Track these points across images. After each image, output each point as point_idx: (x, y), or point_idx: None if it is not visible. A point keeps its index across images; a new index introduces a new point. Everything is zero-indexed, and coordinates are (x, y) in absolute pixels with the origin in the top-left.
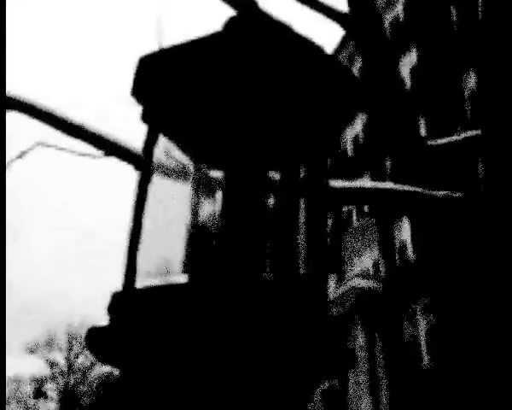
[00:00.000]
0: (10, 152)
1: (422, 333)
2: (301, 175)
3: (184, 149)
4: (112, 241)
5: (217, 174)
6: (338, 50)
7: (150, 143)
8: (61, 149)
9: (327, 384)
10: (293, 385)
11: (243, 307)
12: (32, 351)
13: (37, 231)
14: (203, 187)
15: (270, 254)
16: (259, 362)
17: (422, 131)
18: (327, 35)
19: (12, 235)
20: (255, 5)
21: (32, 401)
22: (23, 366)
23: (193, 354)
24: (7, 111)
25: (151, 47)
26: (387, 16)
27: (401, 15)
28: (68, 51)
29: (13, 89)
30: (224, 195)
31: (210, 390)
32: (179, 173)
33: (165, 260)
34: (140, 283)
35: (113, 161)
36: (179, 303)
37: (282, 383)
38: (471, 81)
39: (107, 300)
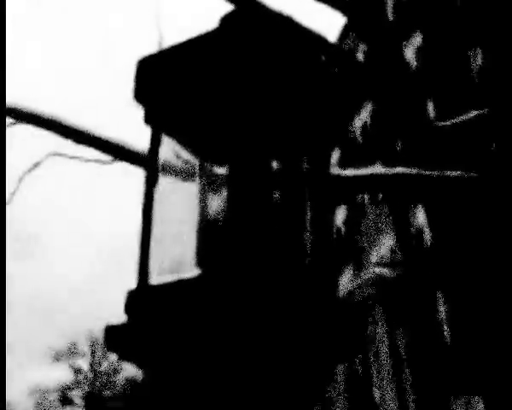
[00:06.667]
0: (24, 164)
1: (444, 318)
2: (305, 166)
3: (189, 147)
4: (126, 243)
5: (222, 170)
6: (341, 37)
7: (155, 144)
8: (72, 157)
9: (349, 369)
10: (307, 371)
11: (255, 299)
12: (56, 359)
13: (58, 241)
14: (210, 184)
15: (278, 245)
16: (272, 353)
17: (431, 113)
18: (329, 23)
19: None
20: None
21: (58, 409)
22: (49, 375)
23: (208, 346)
24: (15, 124)
25: (150, 49)
26: None
27: None
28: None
29: (19, 100)
30: (229, 189)
31: (224, 381)
32: (186, 172)
33: (177, 256)
34: (154, 280)
35: (123, 166)
36: (192, 297)
37: (296, 372)
38: (478, 59)
39: (123, 299)
